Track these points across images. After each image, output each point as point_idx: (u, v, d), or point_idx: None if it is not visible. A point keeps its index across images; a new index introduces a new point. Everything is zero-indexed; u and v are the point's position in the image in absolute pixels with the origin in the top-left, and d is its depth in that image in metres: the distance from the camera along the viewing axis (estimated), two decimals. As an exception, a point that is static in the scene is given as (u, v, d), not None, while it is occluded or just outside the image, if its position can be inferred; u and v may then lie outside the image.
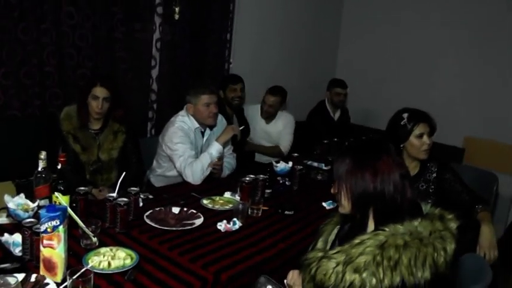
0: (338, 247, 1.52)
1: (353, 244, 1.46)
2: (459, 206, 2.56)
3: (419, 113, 2.56)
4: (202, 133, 3.31)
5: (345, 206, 1.59)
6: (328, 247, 1.73)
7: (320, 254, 1.53)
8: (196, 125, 3.23)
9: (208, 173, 3.07)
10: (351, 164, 1.55)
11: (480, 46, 4.86)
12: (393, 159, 1.55)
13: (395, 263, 1.38)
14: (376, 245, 1.42)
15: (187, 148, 3.10)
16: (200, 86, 3.24)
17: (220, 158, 3.16)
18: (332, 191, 1.65)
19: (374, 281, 1.38)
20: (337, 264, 1.44)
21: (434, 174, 2.60)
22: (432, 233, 1.46)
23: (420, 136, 2.52)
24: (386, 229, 1.46)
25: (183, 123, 3.19)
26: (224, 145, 3.18)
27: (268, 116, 4.27)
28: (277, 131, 4.31)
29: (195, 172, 3.02)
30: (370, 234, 1.46)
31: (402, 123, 2.52)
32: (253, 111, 4.32)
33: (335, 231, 1.78)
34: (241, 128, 3.26)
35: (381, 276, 1.37)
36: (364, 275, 1.39)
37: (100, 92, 2.84)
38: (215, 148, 3.10)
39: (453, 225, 1.54)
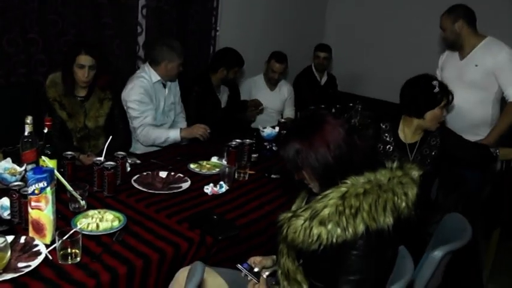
0: (305, 205, 1.57)
1: (317, 199, 1.51)
2: (474, 162, 2.66)
3: (444, 84, 2.55)
4: (164, 85, 3.38)
5: (315, 186, 1.60)
6: None
7: (289, 214, 1.56)
8: (157, 78, 3.28)
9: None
10: (300, 145, 1.54)
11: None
12: (333, 121, 1.55)
13: (356, 210, 1.42)
14: (338, 196, 1.46)
15: (148, 109, 3.19)
16: (179, 46, 3.29)
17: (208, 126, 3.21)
18: (296, 178, 1.64)
19: (339, 230, 1.42)
20: (305, 221, 1.48)
21: (438, 140, 2.59)
22: (391, 179, 1.51)
23: (443, 107, 2.51)
24: (348, 181, 1.49)
25: (143, 78, 3.24)
26: (181, 135, 3.21)
27: (272, 82, 4.39)
28: (282, 98, 4.49)
29: (147, 139, 3.17)
30: (333, 188, 1.50)
31: (435, 91, 2.46)
32: (255, 83, 4.41)
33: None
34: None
35: (345, 224, 1.42)
36: (330, 226, 1.43)
37: (85, 60, 2.79)
38: (174, 136, 3.17)
39: (415, 173, 1.58)
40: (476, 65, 3.06)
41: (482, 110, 3.13)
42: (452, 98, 2.54)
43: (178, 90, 3.54)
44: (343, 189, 1.47)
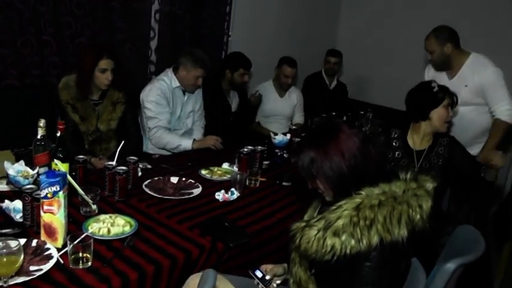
0: (319, 215, 1.56)
1: (331, 210, 1.50)
2: (471, 175, 2.65)
3: (443, 85, 2.62)
4: (184, 92, 3.40)
5: (329, 196, 1.59)
6: None
7: (303, 224, 1.55)
8: (177, 84, 3.31)
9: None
10: (315, 154, 1.53)
11: (481, 26, 4.77)
12: (348, 130, 1.55)
13: (371, 221, 1.41)
14: (353, 207, 1.45)
15: (163, 112, 3.23)
16: (201, 57, 3.28)
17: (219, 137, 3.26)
18: (310, 187, 1.63)
19: (353, 241, 1.41)
20: (318, 231, 1.47)
21: (446, 151, 2.61)
22: (406, 192, 1.50)
23: (447, 106, 2.56)
24: (362, 192, 1.48)
25: (163, 81, 3.28)
26: (194, 146, 3.24)
27: (284, 88, 4.36)
28: (292, 104, 4.47)
29: (160, 142, 3.24)
30: (347, 199, 1.49)
31: (434, 90, 2.55)
32: (264, 89, 4.37)
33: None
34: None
35: (359, 236, 1.41)
36: (344, 237, 1.42)
37: (107, 64, 2.82)
38: (186, 145, 3.21)
39: (429, 185, 1.57)
40: (466, 86, 3.12)
41: (481, 120, 3.20)
42: (457, 100, 2.61)
43: (200, 99, 3.55)
44: (358, 200, 1.47)
